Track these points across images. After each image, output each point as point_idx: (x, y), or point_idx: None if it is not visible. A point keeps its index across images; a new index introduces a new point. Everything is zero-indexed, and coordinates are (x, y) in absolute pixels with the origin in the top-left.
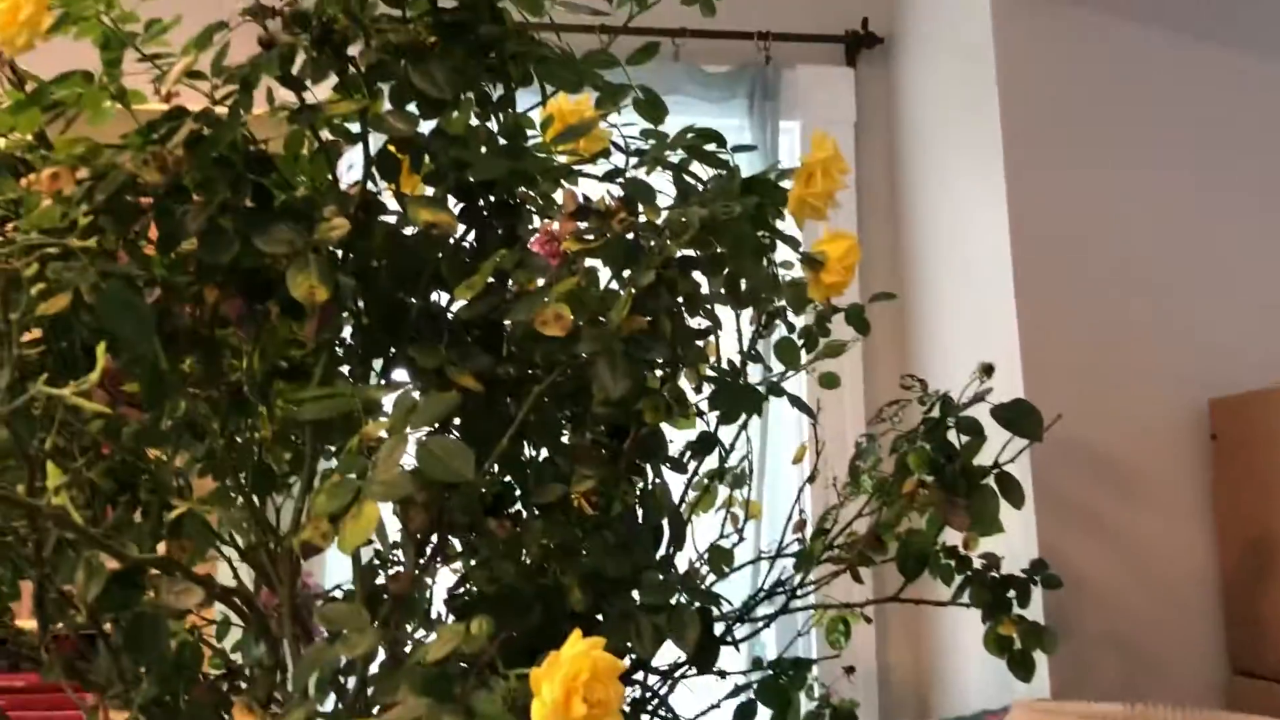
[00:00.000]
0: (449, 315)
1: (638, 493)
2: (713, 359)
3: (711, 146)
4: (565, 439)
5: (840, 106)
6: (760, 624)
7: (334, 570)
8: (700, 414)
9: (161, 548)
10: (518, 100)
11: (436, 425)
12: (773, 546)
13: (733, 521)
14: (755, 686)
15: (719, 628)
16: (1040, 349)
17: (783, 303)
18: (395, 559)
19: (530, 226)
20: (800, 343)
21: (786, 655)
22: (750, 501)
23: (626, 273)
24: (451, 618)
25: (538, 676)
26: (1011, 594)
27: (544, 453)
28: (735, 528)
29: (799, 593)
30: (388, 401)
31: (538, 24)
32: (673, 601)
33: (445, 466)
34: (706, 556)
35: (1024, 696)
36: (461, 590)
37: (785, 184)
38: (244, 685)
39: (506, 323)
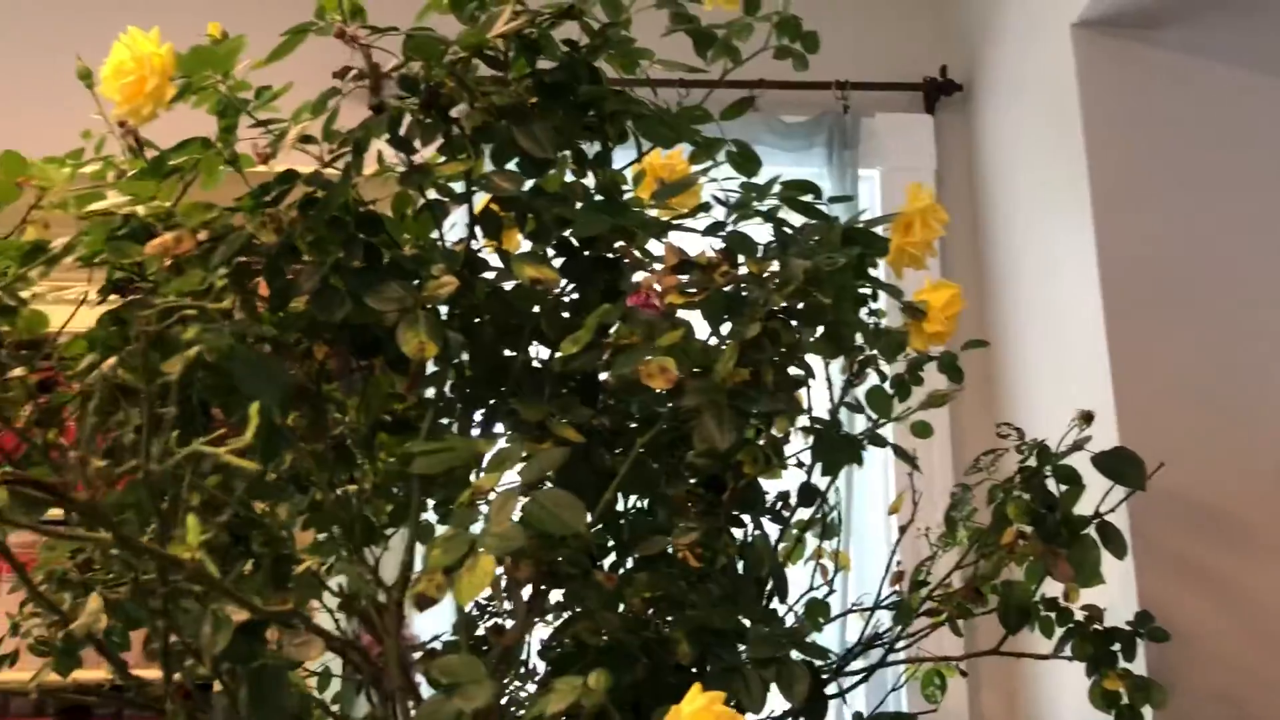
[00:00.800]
0: (548, 369)
1: (738, 545)
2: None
3: (807, 197)
4: (662, 491)
5: (920, 154)
6: (860, 677)
7: (419, 621)
8: (800, 464)
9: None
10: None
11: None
12: (862, 598)
13: (822, 573)
14: None
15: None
16: (1135, 395)
17: (874, 352)
18: (493, 609)
19: (631, 281)
20: (892, 392)
21: (880, 710)
22: (840, 553)
23: (725, 325)
24: (542, 669)
25: None
26: (1116, 647)
27: (635, 502)
28: (825, 579)
29: (896, 646)
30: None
31: (628, 80)
32: (780, 655)
33: (557, 519)
34: (802, 609)
35: None
36: (554, 643)
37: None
38: None
39: (602, 375)
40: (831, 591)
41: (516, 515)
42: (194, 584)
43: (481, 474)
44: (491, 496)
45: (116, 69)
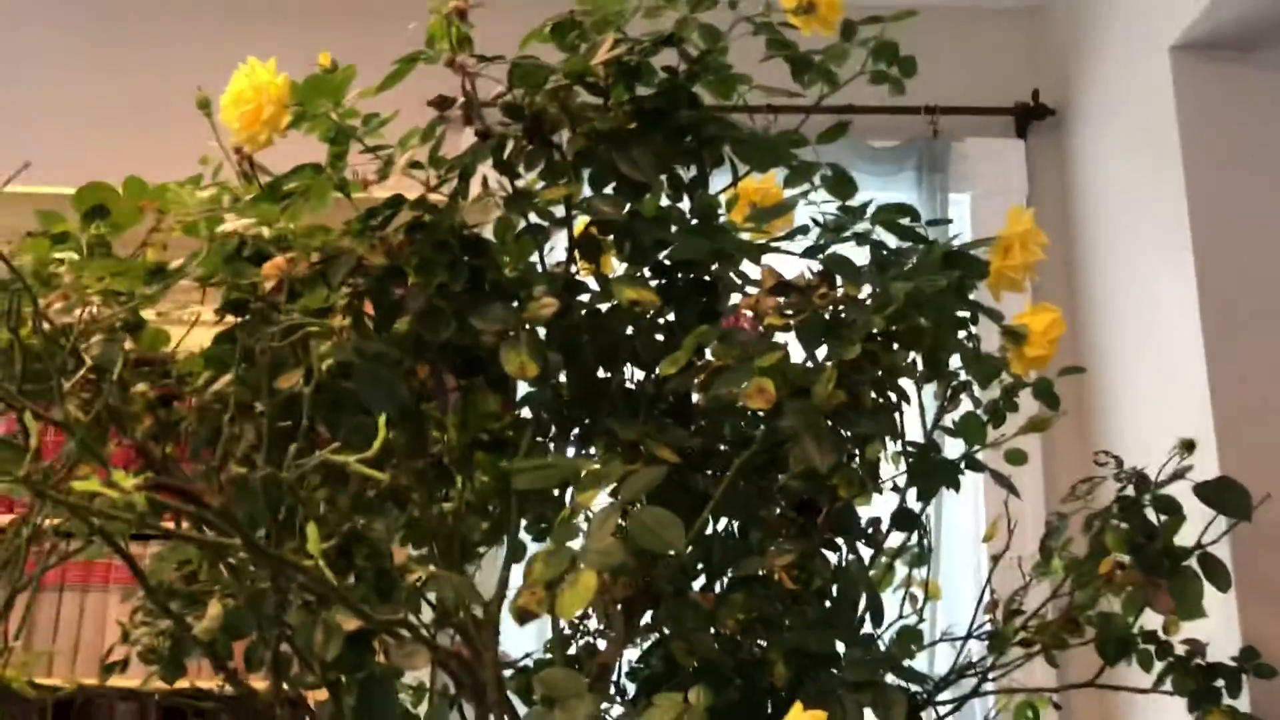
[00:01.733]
0: (643, 390)
1: (832, 569)
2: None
3: (905, 220)
4: (755, 513)
5: (1011, 179)
6: (951, 707)
7: (509, 641)
8: (895, 489)
9: None
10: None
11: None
12: (951, 627)
13: (911, 602)
14: None
15: None
16: (1236, 424)
17: (968, 377)
18: (584, 629)
19: (728, 303)
20: (985, 418)
21: None
22: (930, 581)
23: (822, 348)
24: (631, 689)
25: None
26: (1220, 683)
27: (727, 524)
28: (914, 608)
29: (990, 675)
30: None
31: (726, 107)
32: (877, 679)
33: (657, 537)
34: (894, 636)
35: None
36: (643, 664)
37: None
38: None
39: (695, 397)
40: (921, 620)
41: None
42: (311, 590)
43: (580, 493)
44: (591, 514)
45: (236, 98)
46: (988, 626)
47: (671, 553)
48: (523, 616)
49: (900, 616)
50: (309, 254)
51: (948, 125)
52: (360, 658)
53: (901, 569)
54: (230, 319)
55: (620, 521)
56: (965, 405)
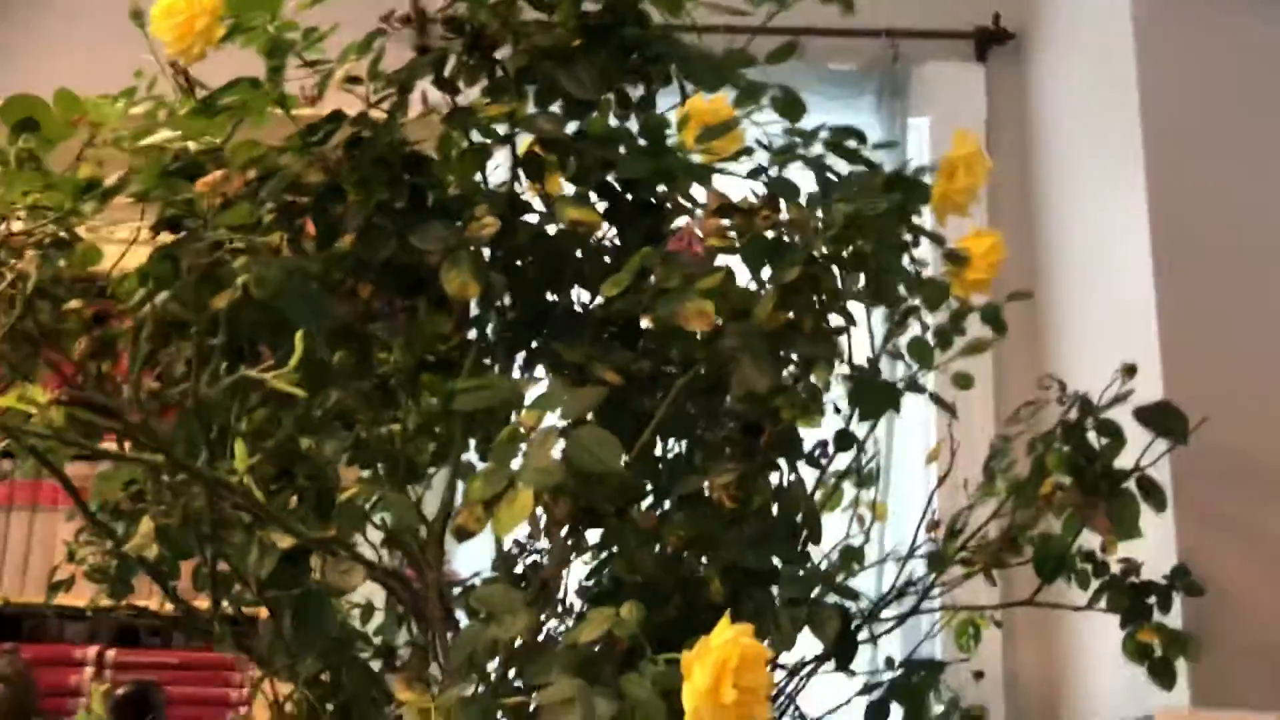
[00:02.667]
0: (589, 313)
1: (773, 488)
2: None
3: (852, 143)
4: (700, 434)
5: (970, 103)
6: (892, 623)
7: (457, 560)
8: (837, 411)
9: None
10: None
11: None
12: (899, 547)
13: (859, 522)
14: (887, 685)
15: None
16: (1182, 349)
17: (916, 301)
18: (531, 548)
19: (671, 225)
20: (934, 342)
21: (913, 657)
22: (877, 503)
23: (766, 270)
24: (581, 606)
25: (688, 661)
26: (1151, 600)
27: (674, 446)
28: (861, 528)
29: (930, 594)
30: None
31: (674, 25)
32: (812, 596)
33: (595, 457)
34: (837, 555)
35: (1163, 707)
36: (591, 580)
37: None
38: (398, 664)
39: (643, 322)
40: (868, 541)
41: (556, 453)
42: (241, 509)
43: (522, 413)
44: (532, 435)
45: (167, 9)
46: (929, 547)
47: (611, 472)
48: (461, 534)
49: (847, 537)
50: (243, 170)
51: (908, 49)
52: (296, 576)
53: (850, 490)
54: (166, 236)
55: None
56: (915, 329)
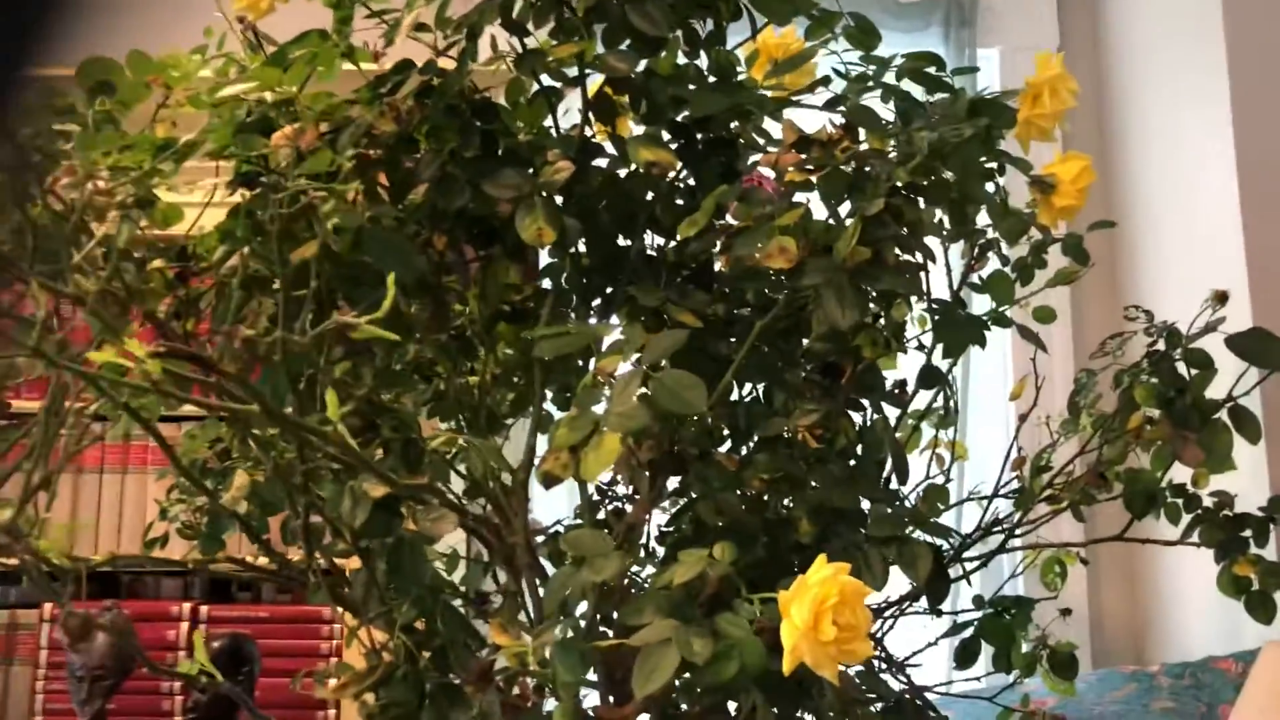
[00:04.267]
0: (664, 256)
1: (857, 427)
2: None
3: (931, 69)
4: (779, 377)
5: (1041, 30)
6: (979, 563)
7: (539, 509)
8: (920, 348)
9: None
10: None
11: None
12: (979, 486)
13: (938, 462)
14: (977, 624)
15: None
16: (1270, 275)
17: (995, 234)
18: (613, 494)
19: (748, 161)
20: (1014, 276)
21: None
22: (956, 442)
23: (845, 205)
24: (661, 553)
25: (786, 600)
26: (1247, 533)
27: (752, 390)
28: (941, 468)
29: (1016, 532)
30: (608, 339)
31: None
32: (901, 534)
33: (679, 398)
34: (921, 494)
35: (1273, 638)
36: (672, 527)
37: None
38: (491, 607)
39: (717, 265)
40: (949, 480)
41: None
42: (333, 458)
43: (601, 359)
44: (614, 380)
45: None
46: (1014, 484)
47: (695, 415)
48: (548, 481)
49: (928, 477)
50: (316, 123)
51: None
52: (389, 523)
53: (928, 430)
54: (243, 193)
55: (643, 386)
56: (993, 263)
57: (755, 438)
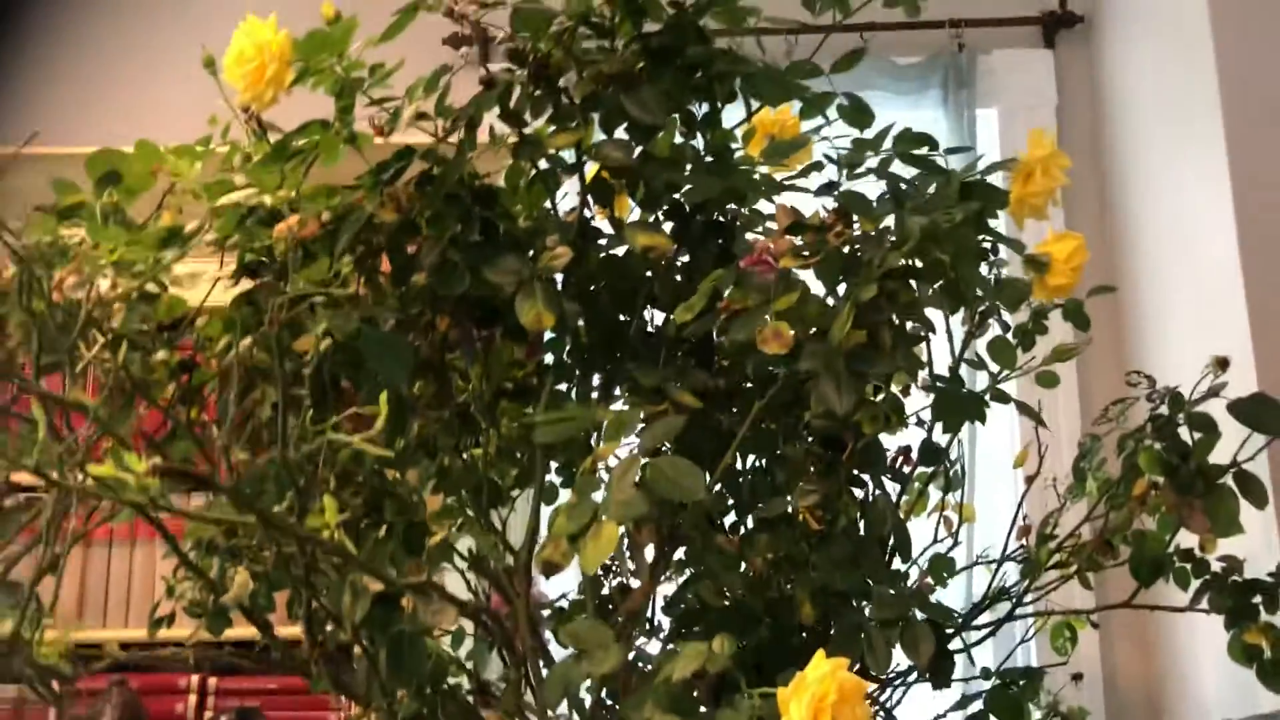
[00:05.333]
0: (663, 333)
1: (859, 504)
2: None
3: (922, 150)
4: (780, 451)
5: (1040, 91)
6: (986, 632)
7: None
8: (920, 422)
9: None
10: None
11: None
12: (987, 550)
13: (946, 525)
14: (985, 697)
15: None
16: (1274, 338)
17: (995, 302)
18: (617, 569)
19: (744, 243)
20: (1015, 342)
21: (1008, 664)
22: (964, 505)
23: (841, 285)
24: (668, 624)
25: (784, 697)
26: (1257, 599)
27: (754, 462)
28: (949, 532)
29: (1024, 599)
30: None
31: (731, 30)
32: (905, 616)
33: (678, 486)
34: (925, 563)
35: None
36: (678, 600)
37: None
38: (493, 698)
39: (715, 335)
40: (956, 544)
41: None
42: (332, 558)
43: (602, 444)
44: (612, 462)
45: (238, 57)
46: (1022, 551)
47: (694, 501)
48: (549, 569)
49: (935, 541)
50: (318, 215)
51: (973, 38)
52: (388, 616)
53: (935, 494)
54: (246, 282)
55: (641, 470)
56: (994, 329)
57: (756, 513)
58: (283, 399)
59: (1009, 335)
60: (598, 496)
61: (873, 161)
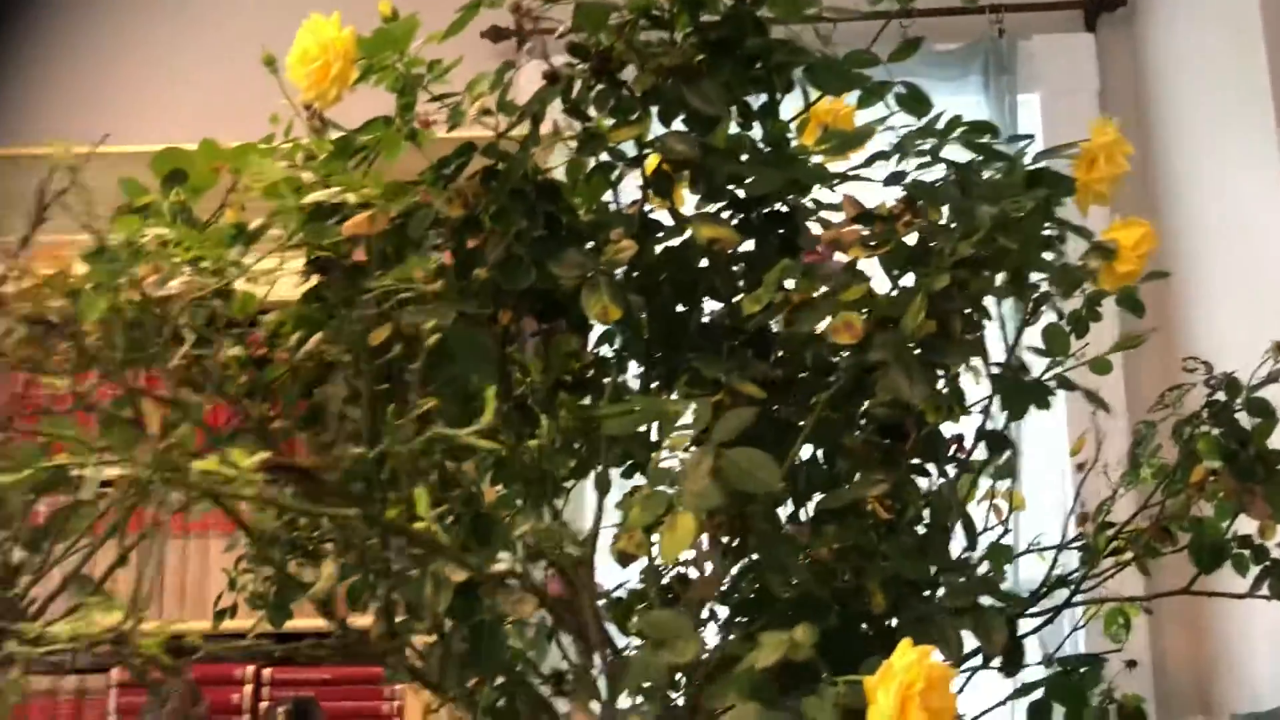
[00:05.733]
0: (720, 322)
1: (924, 494)
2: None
3: (985, 138)
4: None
5: (1081, 75)
6: (1046, 619)
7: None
8: (984, 412)
9: None
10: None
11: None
12: (1038, 538)
13: (995, 513)
14: (1046, 684)
15: None
16: None
17: (1050, 289)
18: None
19: (805, 234)
20: (1069, 329)
21: (1060, 651)
22: (1014, 492)
23: (907, 276)
24: (725, 613)
25: (872, 685)
26: None
27: (812, 451)
28: (999, 519)
29: (1082, 587)
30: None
31: (779, 20)
32: (976, 604)
33: (752, 477)
34: (985, 553)
35: None
36: (734, 592)
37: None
38: (568, 688)
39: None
40: (1007, 531)
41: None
42: (423, 549)
43: (669, 437)
44: (686, 457)
45: (302, 56)
46: (1080, 539)
47: (767, 492)
48: (624, 559)
49: (986, 529)
50: (387, 211)
51: (1013, 23)
52: (470, 607)
53: (984, 482)
54: (315, 277)
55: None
56: (1046, 316)
57: (815, 502)
58: (368, 390)
59: (1062, 322)
60: (669, 488)
61: (926, 145)
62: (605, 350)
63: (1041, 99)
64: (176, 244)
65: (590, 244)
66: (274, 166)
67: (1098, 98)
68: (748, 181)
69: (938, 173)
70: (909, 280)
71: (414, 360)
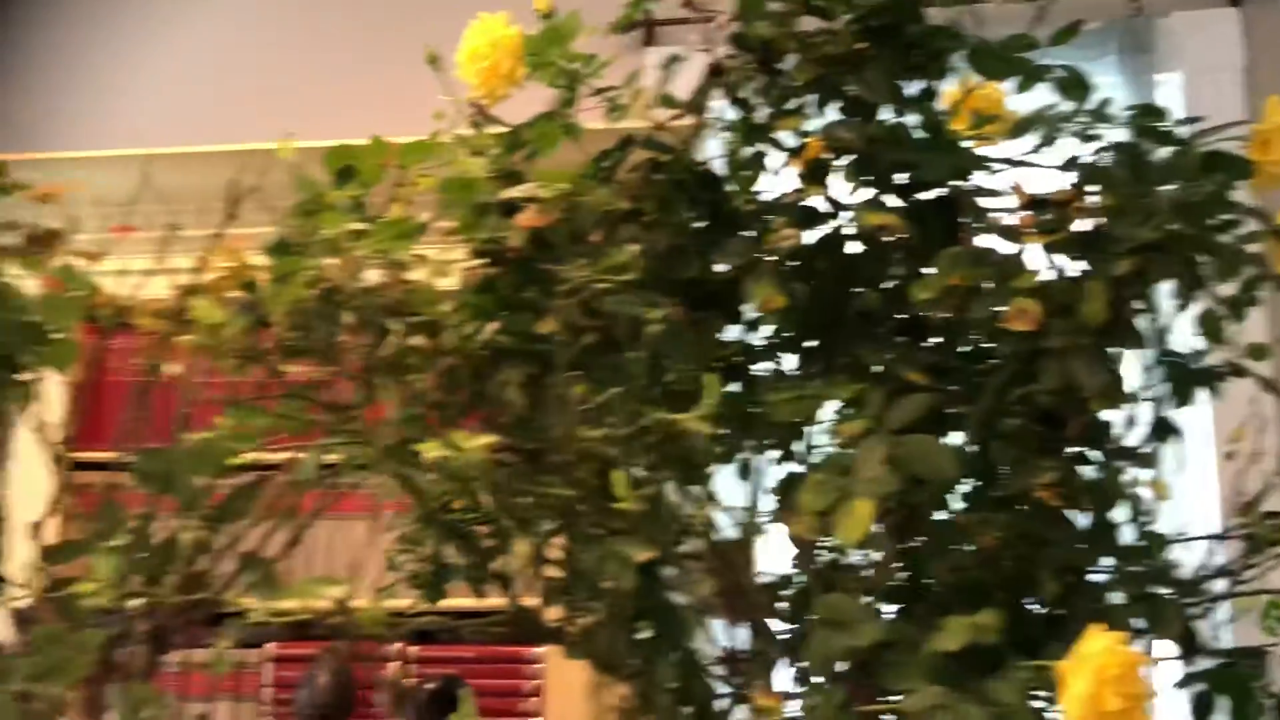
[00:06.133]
0: (874, 311)
1: (1088, 482)
2: None
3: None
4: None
5: (1224, 52)
6: (1205, 609)
7: None
8: (1151, 399)
9: None
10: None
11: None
12: (1184, 529)
13: (1138, 502)
14: (1210, 676)
15: None
16: None
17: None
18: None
19: (969, 219)
20: (1224, 314)
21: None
22: (1158, 482)
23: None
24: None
25: (1065, 670)
26: None
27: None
28: (1142, 510)
29: (1243, 576)
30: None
31: (939, 3)
32: (1152, 593)
33: (930, 463)
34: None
35: None
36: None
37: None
38: (742, 670)
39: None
40: (1153, 522)
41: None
42: (604, 525)
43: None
44: (860, 444)
45: (473, 54)
46: (1242, 528)
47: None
48: (799, 544)
49: (1135, 518)
50: (557, 205)
51: (1151, 0)
52: (652, 587)
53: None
54: (484, 268)
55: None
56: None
57: (985, 493)
58: (564, 379)
59: (1217, 305)
60: (839, 475)
61: (1092, 132)
62: (754, 340)
63: (1184, 78)
64: (359, 237)
65: (747, 232)
66: (470, 161)
67: (1243, 75)
68: (916, 170)
69: (1105, 158)
70: (1074, 268)
71: (613, 348)
